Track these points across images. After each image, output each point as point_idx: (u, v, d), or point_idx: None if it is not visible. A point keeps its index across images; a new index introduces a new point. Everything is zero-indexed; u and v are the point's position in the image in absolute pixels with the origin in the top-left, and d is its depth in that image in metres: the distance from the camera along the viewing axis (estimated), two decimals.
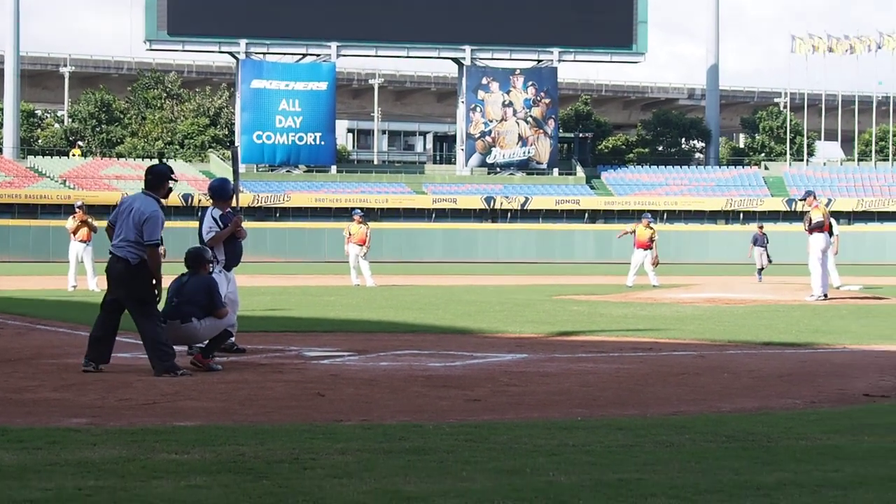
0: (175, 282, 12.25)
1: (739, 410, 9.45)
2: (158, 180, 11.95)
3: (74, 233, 28.64)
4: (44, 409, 9.41)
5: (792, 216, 65.68)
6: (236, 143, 72.16)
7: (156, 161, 65.58)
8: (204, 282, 12.29)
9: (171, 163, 74.27)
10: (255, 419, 8.82)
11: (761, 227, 38.30)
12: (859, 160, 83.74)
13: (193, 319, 12.10)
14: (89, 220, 28.83)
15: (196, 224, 14.13)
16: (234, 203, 13.87)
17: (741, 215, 72.28)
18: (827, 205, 45.06)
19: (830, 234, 25.52)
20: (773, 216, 68.34)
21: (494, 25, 73.78)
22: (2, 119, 76.73)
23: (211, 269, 12.67)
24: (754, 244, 36.93)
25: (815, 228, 24.97)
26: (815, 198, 25.57)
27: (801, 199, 26.07)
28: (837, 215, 50.78)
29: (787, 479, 6.58)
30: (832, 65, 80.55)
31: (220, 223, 13.60)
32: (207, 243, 13.28)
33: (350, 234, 32.23)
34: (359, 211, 33.65)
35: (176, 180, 12.26)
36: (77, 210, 28.96)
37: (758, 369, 12.38)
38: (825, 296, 24.47)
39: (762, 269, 36.27)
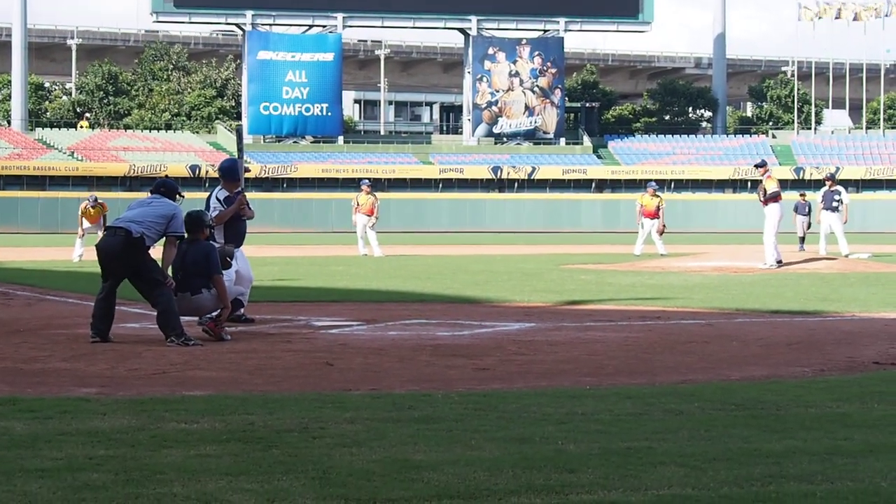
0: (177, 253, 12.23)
1: (748, 378, 9.45)
2: (169, 192, 12.26)
3: (84, 215, 29.12)
4: (54, 378, 9.45)
5: (800, 185, 65.39)
6: (243, 115, 72.06)
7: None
8: (203, 249, 12.27)
9: (178, 133, 74.41)
10: (264, 388, 8.84)
11: (803, 195, 36.84)
12: (867, 128, 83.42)
13: (204, 291, 12.11)
14: (104, 208, 29.56)
15: (204, 195, 14.14)
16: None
17: (749, 184, 72.05)
18: (836, 173, 44.88)
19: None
20: (781, 185, 67.98)
21: None
22: (10, 91, 76.68)
23: (209, 234, 12.66)
24: (796, 213, 36.06)
25: (769, 199, 24.92)
26: (767, 167, 25.59)
27: (756, 167, 25.86)
28: (846, 184, 50.50)
29: (796, 447, 6.59)
30: (840, 33, 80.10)
31: (224, 204, 13.63)
32: (212, 223, 13.28)
33: (358, 205, 32.25)
34: (367, 181, 33.63)
35: (183, 197, 12.43)
36: (88, 202, 29.60)
37: (766, 337, 12.38)
38: (779, 262, 24.57)
39: (803, 237, 35.33)
